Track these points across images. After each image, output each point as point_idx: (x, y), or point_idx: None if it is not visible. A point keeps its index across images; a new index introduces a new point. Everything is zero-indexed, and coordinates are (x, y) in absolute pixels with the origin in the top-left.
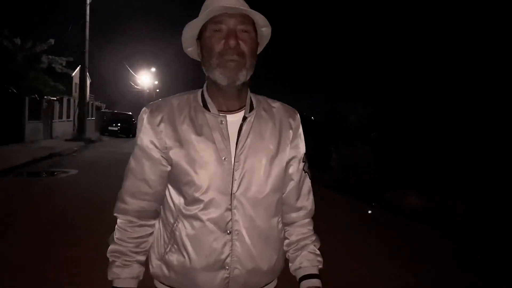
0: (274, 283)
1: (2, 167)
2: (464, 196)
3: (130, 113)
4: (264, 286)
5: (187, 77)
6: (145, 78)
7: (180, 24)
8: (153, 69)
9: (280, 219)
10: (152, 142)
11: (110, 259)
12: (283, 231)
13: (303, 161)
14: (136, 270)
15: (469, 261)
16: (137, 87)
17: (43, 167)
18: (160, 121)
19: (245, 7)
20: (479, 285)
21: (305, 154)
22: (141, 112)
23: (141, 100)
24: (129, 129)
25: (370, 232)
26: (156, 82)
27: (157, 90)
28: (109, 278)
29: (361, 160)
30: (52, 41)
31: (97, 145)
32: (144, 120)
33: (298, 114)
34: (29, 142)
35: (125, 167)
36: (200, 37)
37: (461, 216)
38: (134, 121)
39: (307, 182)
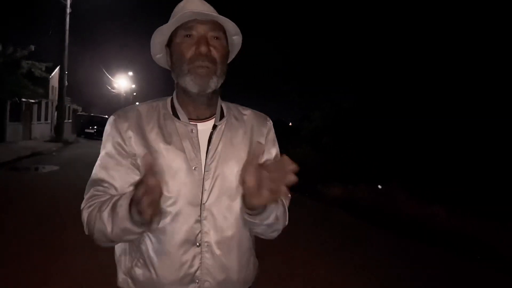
0: None
1: None
2: (372, 185)
3: (106, 116)
4: None
5: (164, 81)
6: (122, 82)
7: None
8: (131, 73)
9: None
10: (122, 147)
11: (99, 222)
12: (252, 238)
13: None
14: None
15: (363, 231)
16: (114, 90)
17: (28, 163)
18: (128, 128)
19: (216, 14)
20: (370, 250)
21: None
22: (109, 119)
23: (117, 103)
24: None
25: (302, 215)
26: (134, 86)
27: (134, 94)
28: (119, 226)
29: (305, 159)
30: (32, 47)
31: (75, 146)
32: (111, 127)
33: (269, 120)
34: (10, 143)
35: None
36: (169, 43)
37: (363, 200)
38: None
39: None
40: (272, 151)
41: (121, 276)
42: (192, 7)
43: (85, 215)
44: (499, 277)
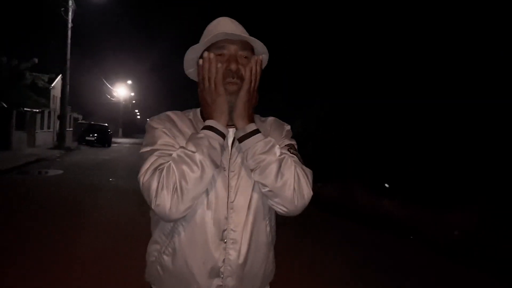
0: None
1: (5, 167)
2: (337, 183)
3: (106, 124)
4: None
5: (162, 89)
6: (121, 90)
7: (157, 39)
8: (129, 82)
9: (269, 221)
10: (166, 132)
11: (180, 160)
12: (271, 234)
13: (286, 145)
14: None
15: (325, 221)
16: (113, 99)
17: (34, 168)
18: (166, 125)
19: (246, 34)
20: (330, 236)
21: (292, 145)
22: (146, 125)
23: (117, 111)
24: (105, 139)
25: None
26: (132, 94)
27: (133, 101)
28: (199, 138)
29: None
30: (35, 60)
31: (76, 153)
32: (153, 124)
33: (288, 125)
34: (16, 150)
35: (101, 170)
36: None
37: (328, 196)
38: (109, 131)
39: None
40: (285, 141)
41: (150, 265)
42: (224, 28)
43: (151, 179)
44: (429, 254)
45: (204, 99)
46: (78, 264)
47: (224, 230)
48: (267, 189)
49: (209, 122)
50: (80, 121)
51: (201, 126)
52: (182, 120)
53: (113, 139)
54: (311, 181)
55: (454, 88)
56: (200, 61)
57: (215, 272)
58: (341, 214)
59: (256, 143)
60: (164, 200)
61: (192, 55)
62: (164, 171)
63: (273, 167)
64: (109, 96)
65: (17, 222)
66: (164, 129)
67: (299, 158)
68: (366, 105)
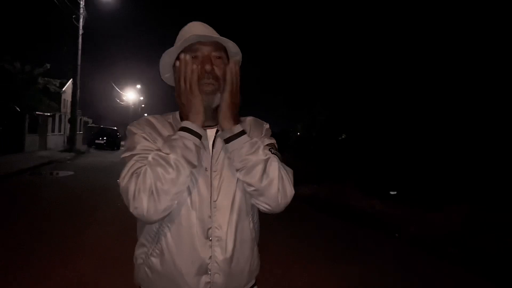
0: (254, 286)
1: (20, 168)
2: (331, 185)
3: (115, 128)
4: None
5: (170, 93)
6: (131, 95)
7: (166, 43)
8: (139, 86)
9: (251, 217)
10: (145, 137)
11: (155, 163)
12: (254, 230)
13: (267, 145)
14: None
15: (320, 220)
16: (123, 103)
17: (47, 170)
18: (144, 129)
19: (218, 36)
20: (323, 234)
21: (273, 144)
22: (127, 128)
23: (126, 115)
24: (114, 143)
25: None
26: (142, 98)
27: (142, 105)
28: (173, 140)
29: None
30: (48, 65)
31: (86, 156)
32: (133, 129)
33: (266, 124)
34: (29, 152)
35: (110, 172)
36: (176, 64)
37: (323, 196)
38: (119, 135)
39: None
40: (266, 141)
41: (138, 267)
42: (196, 31)
43: (129, 182)
44: (413, 250)
45: (180, 101)
46: (87, 257)
47: (209, 229)
48: (252, 188)
49: (184, 123)
50: (90, 125)
51: None
52: (162, 124)
53: (122, 143)
54: (292, 180)
55: (444, 93)
56: (177, 63)
57: (203, 270)
58: (335, 214)
59: (243, 144)
60: (141, 203)
61: (167, 59)
62: (141, 174)
63: (259, 168)
64: (118, 100)
65: (32, 218)
66: (143, 134)
67: (279, 157)
68: (360, 110)
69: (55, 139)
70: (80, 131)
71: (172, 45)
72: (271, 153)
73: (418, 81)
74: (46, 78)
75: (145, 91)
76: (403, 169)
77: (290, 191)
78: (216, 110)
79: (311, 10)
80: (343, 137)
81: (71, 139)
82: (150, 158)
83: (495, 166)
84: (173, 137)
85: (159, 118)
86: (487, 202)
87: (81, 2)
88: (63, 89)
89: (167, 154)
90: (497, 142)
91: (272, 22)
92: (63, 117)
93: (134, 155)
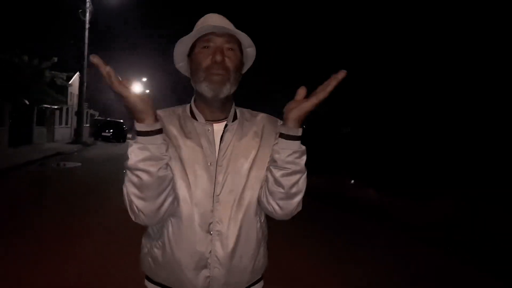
0: (260, 285)
1: (30, 159)
2: (328, 176)
3: (122, 120)
4: (248, 287)
5: (176, 86)
6: (137, 87)
7: (171, 37)
8: (145, 79)
9: (259, 217)
10: None
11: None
12: (261, 230)
13: None
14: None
15: (316, 210)
16: None
17: (55, 161)
18: (168, 122)
19: (233, 28)
20: (318, 223)
21: None
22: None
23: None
24: (120, 135)
25: None
26: (148, 91)
27: None
28: (136, 147)
29: None
30: (55, 59)
31: (93, 148)
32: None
33: (280, 122)
34: (37, 144)
35: (116, 163)
36: (190, 53)
37: (321, 187)
38: (125, 127)
39: None
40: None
41: (143, 257)
42: (210, 22)
43: (124, 191)
44: (404, 237)
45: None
46: (91, 240)
47: (210, 223)
48: (280, 190)
49: (135, 126)
50: (96, 118)
51: (188, 124)
52: (170, 119)
53: (128, 135)
54: None
55: (435, 85)
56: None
57: (202, 264)
58: (332, 204)
59: (299, 147)
60: (136, 218)
61: (181, 49)
62: (124, 191)
63: (297, 176)
64: None
65: (45, 203)
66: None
67: None
68: (357, 105)
69: (62, 132)
70: (86, 124)
71: (177, 39)
72: None
73: (410, 77)
74: (53, 72)
75: (151, 84)
76: (399, 162)
77: (300, 207)
78: (225, 102)
79: None
80: (348, 130)
81: (78, 132)
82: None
83: (483, 160)
84: (129, 145)
85: (168, 112)
86: (475, 192)
87: None
88: (69, 82)
89: (127, 164)
90: (488, 138)
91: (269, 7)
92: (69, 110)
93: None
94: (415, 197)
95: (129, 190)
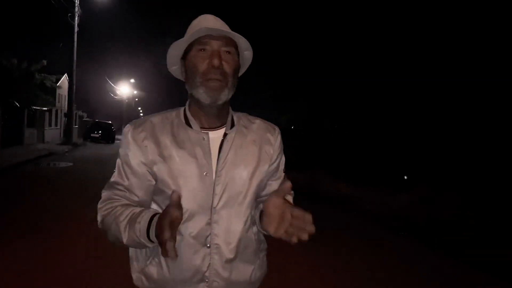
0: None
1: (23, 159)
2: (306, 172)
3: (110, 122)
4: None
5: (164, 88)
6: (124, 89)
7: (158, 39)
8: (132, 80)
9: (257, 230)
10: (139, 160)
11: (116, 229)
12: (259, 240)
13: (284, 171)
14: (149, 210)
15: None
16: (116, 97)
17: (47, 161)
18: (144, 138)
19: (229, 30)
20: None
21: (285, 171)
22: (125, 128)
23: (120, 109)
24: (109, 136)
25: None
26: (135, 92)
27: (136, 99)
28: (134, 239)
29: None
30: (44, 62)
31: (83, 148)
32: (129, 136)
33: (277, 129)
34: (28, 145)
35: (107, 163)
36: (184, 56)
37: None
38: (113, 128)
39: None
40: (281, 162)
41: (135, 274)
42: (206, 24)
43: (100, 217)
44: (367, 223)
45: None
46: (85, 236)
47: (208, 236)
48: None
49: (152, 238)
50: (85, 119)
51: (182, 132)
52: (162, 125)
53: (117, 136)
54: None
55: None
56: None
57: (199, 278)
58: (309, 197)
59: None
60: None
61: (175, 51)
62: (100, 219)
63: None
64: (112, 95)
65: (41, 200)
66: (133, 155)
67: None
68: (336, 107)
69: (52, 133)
70: (75, 125)
71: (164, 40)
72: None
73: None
74: (42, 74)
75: (139, 85)
76: (367, 158)
77: None
78: (222, 108)
79: None
80: (335, 127)
81: (67, 133)
82: (111, 218)
83: (446, 157)
84: (137, 239)
85: (160, 118)
86: (436, 187)
87: (76, 1)
88: (58, 84)
89: (122, 239)
90: (452, 138)
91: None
92: (59, 111)
93: (113, 185)
94: (383, 191)
95: (110, 237)
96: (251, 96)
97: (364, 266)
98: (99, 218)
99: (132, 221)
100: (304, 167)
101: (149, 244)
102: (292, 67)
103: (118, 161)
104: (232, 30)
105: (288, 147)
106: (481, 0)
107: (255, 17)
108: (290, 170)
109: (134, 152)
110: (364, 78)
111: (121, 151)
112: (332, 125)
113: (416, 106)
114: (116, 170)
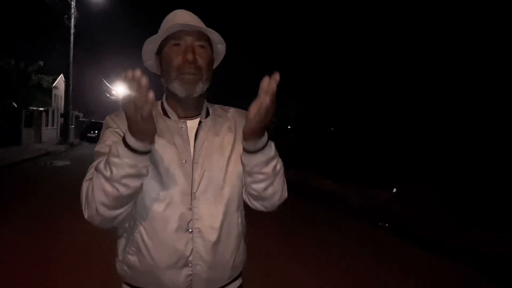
0: (238, 282)
1: (21, 158)
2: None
3: None
4: (228, 283)
5: (157, 85)
6: (120, 89)
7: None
8: None
9: (240, 213)
10: (118, 133)
11: (97, 177)
12: (242, 225)
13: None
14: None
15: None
16: (112, 97)
17: (45, 159)
18: (123, 124)
19: (202, 25)
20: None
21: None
22: (105, 120)
23: (116, 109)
24: None
25: None
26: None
27: None
28: (115, 162)
29: None
30: (41, 63)
31: (79, 148)
32: (107, 122)
33: None
34: (26, 145)
35: None
36: (159, 52)
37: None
38: None
39: None
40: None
41: (118, 264)
42: (180, 19)
43: (84, 186)
44: (349, 218)
45: (127, 115)
46: (83, 233)
47: (190, 221)
48: (255, 193)
49: (128, 139)
50: (81, 119)
51: (160, 122)
52: None
53: None
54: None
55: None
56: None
57: (182, 263)
58: (297, 193)
59: (262, 158)
60: (90, 217)
61: (150, 47)
62: (85, 188)
63: (268, 181)
64: (108, 95)
65: (41, 197)
66: (117, 129)
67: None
68: (326, 108)
69: (49, 133)
70: (72, 125)
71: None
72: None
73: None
74: (39, 75)
75: None
76: (353, 156)
77: (285, 195)
78: (197, 99)
79: None
80: (331, 130)
81: (64, 133)
82: (94, 172)
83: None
84: (114, 156)
85: None
86: (414, 185)
87: (72, 3)
88: (54, 84)
89: (107, 175)
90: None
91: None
92: (55, 111)
93: (101, 154)
94: (365, 187)
95: (97, 197)
96: (253, 96)
97: (337, 254)
98: (82, 190)
99: (108, 152)
100: (291, 165)
101: (134, 157)
102: (292, 67)
103: (99, 141)
104: (230, 30)
105: (282, 146)
106: (481, 0)
107: (255, 17)
108: (285, 169)
109: (114, 130)
110: (362, 78)
111: (101, 136)
112: (328, 126)
113: (412, 106)
114: (96, 147)
